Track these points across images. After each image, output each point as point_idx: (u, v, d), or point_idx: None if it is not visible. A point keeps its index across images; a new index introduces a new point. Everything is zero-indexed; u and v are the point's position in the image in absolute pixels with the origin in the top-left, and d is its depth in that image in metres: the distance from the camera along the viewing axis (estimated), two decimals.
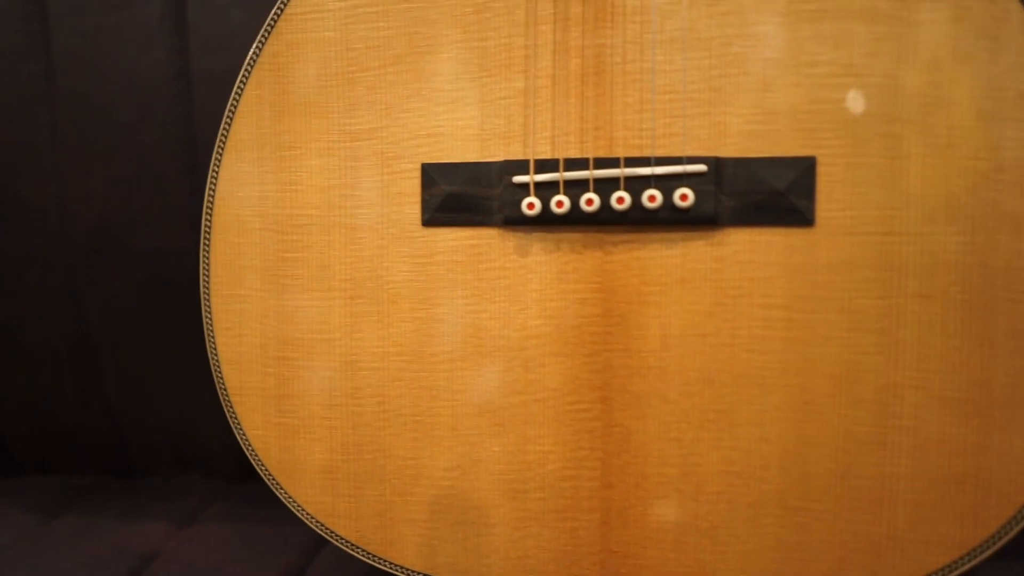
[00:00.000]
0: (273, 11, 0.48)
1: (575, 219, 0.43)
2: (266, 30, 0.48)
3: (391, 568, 0.48)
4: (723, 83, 0.42)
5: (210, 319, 0.49)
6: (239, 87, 0.48)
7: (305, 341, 0.48)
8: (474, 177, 0.45)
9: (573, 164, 0.43)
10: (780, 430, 0.42)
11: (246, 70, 0.48)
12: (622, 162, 0.43)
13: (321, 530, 0.49)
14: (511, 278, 0.45)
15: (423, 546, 0.47)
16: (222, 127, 0.49)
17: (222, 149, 0.49)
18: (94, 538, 0.62)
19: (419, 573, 0.47)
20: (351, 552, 0.48)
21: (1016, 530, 0.40)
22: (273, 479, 0.49)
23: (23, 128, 0.69)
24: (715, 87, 0.42)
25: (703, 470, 0.43)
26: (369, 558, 0.48)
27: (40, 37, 0.68)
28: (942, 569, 0.41)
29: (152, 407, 0.73)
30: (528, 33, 0.44)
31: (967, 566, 0.40)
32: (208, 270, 0.49)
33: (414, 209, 0.46)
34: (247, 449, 0.49)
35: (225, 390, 0.49)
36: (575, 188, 0.43)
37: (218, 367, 0.49)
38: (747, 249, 0.42)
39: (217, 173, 0.49)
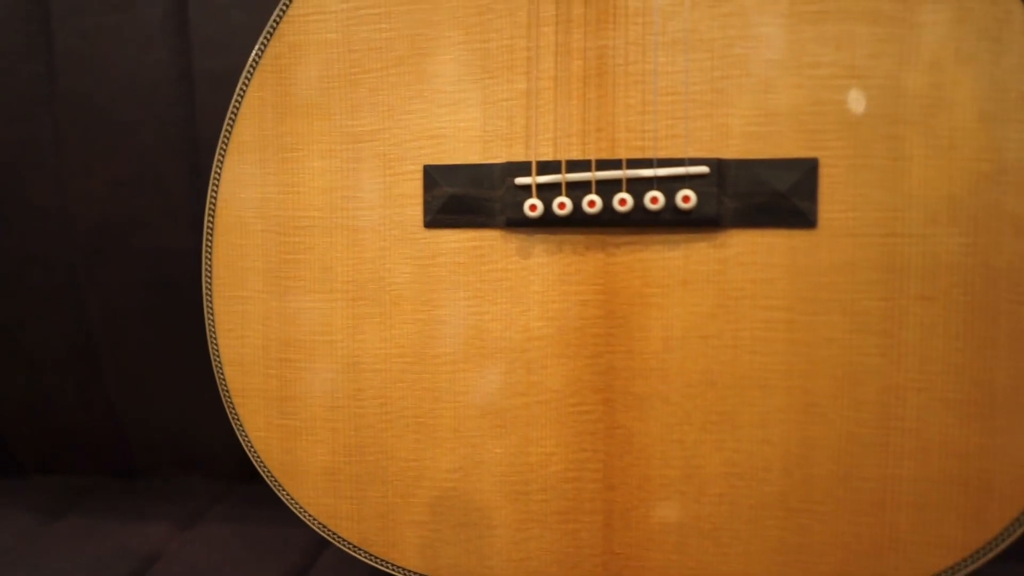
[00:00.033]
0: (275, 13, 0.48)
1: (577, 221, 0.43)
2: (268, 32, 0.48)
3: (393, 570, 0.48)
4: (725, 84, 0.42)
5: (212, 321, 0.49)
6: (241, 89, 0.48)
7: (307, 343, 0.48)
8: (476, 179, 0.45)
9: (575, 166, 0.43)
10: (782, 432, 0.42)
11: (248, 72, 0.48)
12: (624, 164, 0.43)
13: (323, 532, 0.49)
14: (513, 280, 0.45)
15: (425, 548, 0.47)
16: (224, 129, 0.49)
17: (224, 151, 0.49)
18: (96, 539, 0.62)
19: (421, 575, 0.47)
20: (353, 554, 0.48)
21: (1019, 532, 0.40)
22: (275, 481, 0.49)
23: (24, 128, 0.69)
24: (717, 88, 0.42)
25: (705, 472, 0.43)
26: (371, 560, 0.48)
27: (41, 37, 0.68)
28: (945, 571, 0.41)
29: (153, 408, 0.73)
30: (530, 35, 0.44)
31: (970, 568, 0.40)
32: (210, 272, 0.49)
33: (416, 211, 0.46)
34: (249, 451, 0.49)
35: (227, 392, 0.49)
36: (577, 190, 0.43)
37: (220, 369, 0.49)
38: (749, 251, 0.42)
39: (219, 175, 0.49)
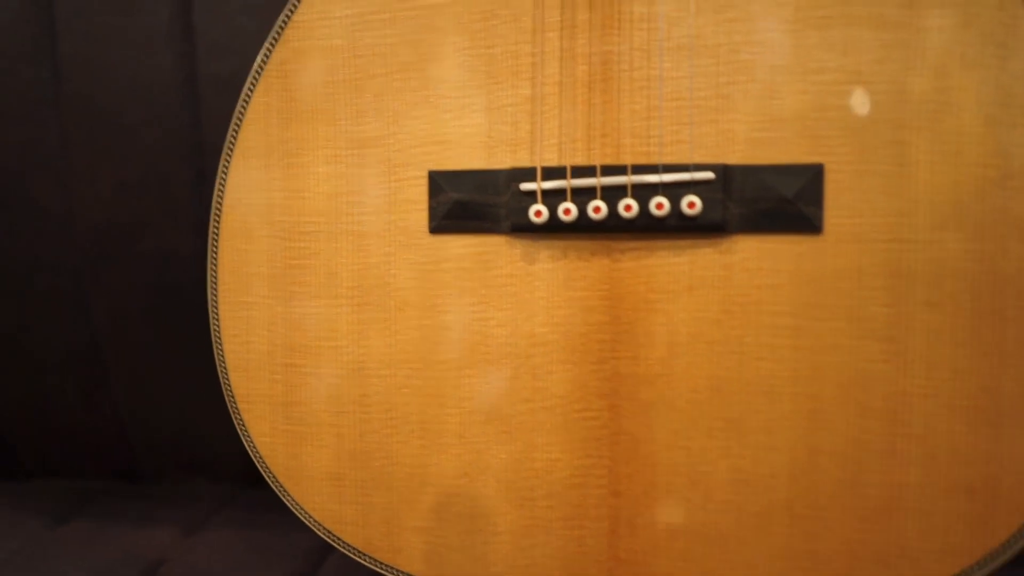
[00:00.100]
0: (280, 18, 0.48)
1: (582, 226, 0.43)
2: (273, 37, 0.48)
3: (397, 575, 0.48)
4: (731, 90, 0.42)
5: (217, 326, 0.49)
6: (247, 94, 0.48)
7: (313, 348, 0.48)
8: (481, 185, 0.45)
9: (580, 172, 0.43)
10: (788, 438, 0.42)
11: (254, 77, 0.48)
12: (629, 169, 0.43)
13: (328, 537, 0.49)
14: (518, 285, 0.45)
15: (430, 553, 0.47)
16: (229, 133, 0.49)
17: (230, 156, 0.49)
18: (102, 543, 0.63)
19: None
20: (358, 559, 0.48)
21: None
22: (280, 486, 0.49)
23: (29, 131, 0.70)
24: (723, 94, 0.42)
25: (711, 478, 0.43)
26: (376, 565, 0.48)
27: (46, 41, 0.68)
28: None
29: (158, 411, 0.73)
30: (535, 40, 0.44)
31: (977, 575, 0.40)
32: (215, 277, 0.49)
33: (421, 216, 0.46)
34: (254, 456, 0.49)
35: (232, 397, 0.49)
36: (582, 195, 0.43)
37: (225, 374, 0.49)
38: (755, 256, 0.42)
39: (224, 180, 0.49)
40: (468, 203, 0.45)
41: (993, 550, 0.40)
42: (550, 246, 0.44)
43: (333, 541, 0.49)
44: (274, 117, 0.48)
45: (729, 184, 0.42)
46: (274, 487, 0.49)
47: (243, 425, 0.49)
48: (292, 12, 0.47)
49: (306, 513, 0.49)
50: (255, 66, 0.48)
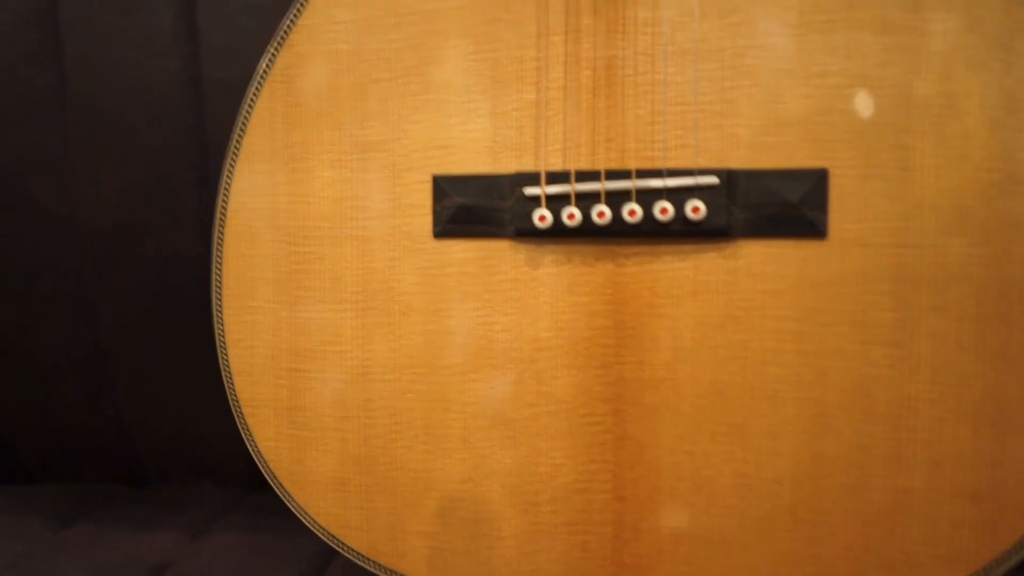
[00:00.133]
0: (285, 22, 0.48)
1: (587, 231, 0.43)
2: (278, 41, 0.48)
3: None
4: (735, 95, 0.42)
5: (222, 331, 0.49)
6: (251, 98, 0.48)
7: (317, 353, 0.48)
8: (486, 189, 0.45)
9: (585, 176, 0.43)
10: (793, 443, 0.42)
11: (258, 81, 0.48)
12: (634, 174, 0.43)
13: (332, 542, 0.49)
14: (522, 290, 0.45)
15: (434, 558, 0.47)
16: (234, 138, 0.49)
17: (234, 160, 0.49)
18: (106, 547, 0.63)
19: None
20: (362, 564, 0.48)
21: None
22: (285, 491, 0.49)
23: (34, 135, 0.70)
24: (727, 99, 0.42)
25: (715, 483, 0.43)
26: (380, 570, 0.48)
27: (51, 43, 0.68)
28: None
29: (162, 414, 0.73)
30: (539, 44, 0.44)
31: None
32: (220, 281, 0.49)
33: (425, 221, 0.46)
34: (259, 460, 0.49)
35: (237, 401, 0.49)
36: (587, 200, 0.43)
37: (230, 378, 0.50)
38: (759, 261, 0.42)
39: (229, 184, 0.49)
40: (472, 208, 0.45)
41: (999, 556, 0.40)
42: (554, 251, 0.44)
43: (337, 546, 0.49)
44: (278, 121, 0.48)
45: (733, 189, 0.42)
46: (278, 492, 0.49)
47: (247, 430, 0.49)
48: (296, 16, 0.47)
49: (310, 518, 0.49)
50: (259, 70, 0.48)
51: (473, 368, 0.46)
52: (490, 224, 0.45)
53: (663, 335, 0.43)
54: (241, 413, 0.50)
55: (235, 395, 0.49)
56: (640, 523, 0.44)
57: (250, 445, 0.50)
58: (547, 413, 0.45)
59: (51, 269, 0.71)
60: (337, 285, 0.47)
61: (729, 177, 0.42)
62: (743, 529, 0.43)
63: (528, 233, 0.44)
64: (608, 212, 0.43)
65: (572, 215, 0.43)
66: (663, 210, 0.42)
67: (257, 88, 0.48)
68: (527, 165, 0.44)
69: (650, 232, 0.43)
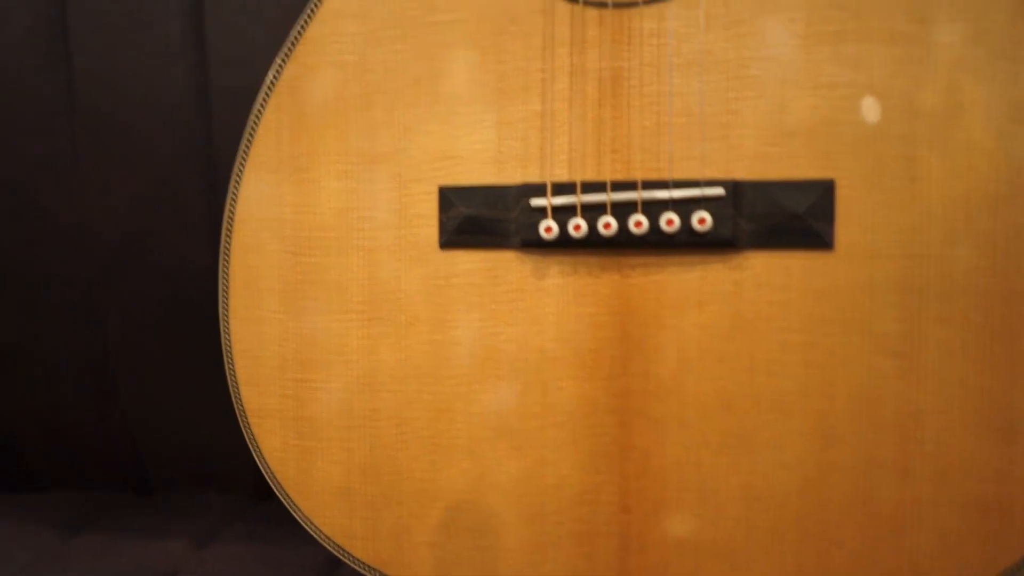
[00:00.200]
0: (292, 34, 0.48)
1: (592, 242, 0.43)
2: (286, 53, 0.48)
3: None
4: (740, 106, 0.42)
5: (228, 341, 0.50)
6: (259, 109, 0.49)
7: (323, 363, 0.48)
8: (491, 200, 0.45)
9: (590, 187, 0.43)
10: (799, 455, 0.42)
11: (266, 92, 0.48)
12: (639, 185, 0.43)
13: (338, 551, 0.49)
14: (528, 301, 0.45)
15: (439, 569, 0.47)
16: (241, 148, 0.49)
17: (241, 170, 0.49)
18: (114, 556, 0.63)
19: None
20: (367, 574, 0.48)
21: None
22: (290, 500, 0.49)
23: (43, 143, 0.70)
24: (732, 110, 0.42)
25: (722, 495, 0.43)
26: None
27: (60, 54, 0.69)
28: None
29: (169, 423, 0.73)
30: (545, 56, 0.44)
31: None
32: (227, 292, 0.49)
33: (432, 232, 0.46)
34: (265, 470, 0.49)
35: (243, 411, 0.50)
36: (592, 211, 0.43)
37: (236, 388, 0.50)
38: (766, 272, 0.42)
39: (236, 194, 0.49)
40: (478, 218, 0.45)
41: (1007, 569, 0.40)
42: (560, 261, 0.44)
43: (342, 555, 0.49)
44: (285, 132, 0.48)
45: (739, 200, 0.42)
46: (284, 501, 0.49)
47: (254, 439, 0.50)
48: (304, 28, 0.48)
49: (316, 527, 0.49)
50: (267, 81, 0.48)
51: (479, 379, 0.46)
52: (496, 235, 0.45)
53: (669, 346, 0.43)
54: (248, 423, 0.50)
55: (242, 405, 0.50)
56: (646, 535, 0.44)
57: (256, 455, 0.50)
58: (553, 424, 0.45)
59: (59, 277, 0.71)
60: (343, 295, 0.47)
61: (735, 188, 0.42)
62: (750, 540, 0.43)
63: (534, 244, 0.44)
64: (614, 223, 0.43)
65: (578, 226, 0.43)
66: (669, 221, 0.42)
67: (265, 98, 0.49)
68: (533, 176, 0.45)
69: (656, 243, 0.43)
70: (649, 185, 0.43)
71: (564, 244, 0.44)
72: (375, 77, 0.47)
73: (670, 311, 0.43)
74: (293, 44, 0.48)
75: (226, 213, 0.49)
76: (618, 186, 0.43)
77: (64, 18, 0.68)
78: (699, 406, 0.43)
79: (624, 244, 0.43)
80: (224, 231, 0.50)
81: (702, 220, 0.42)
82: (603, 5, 0.43)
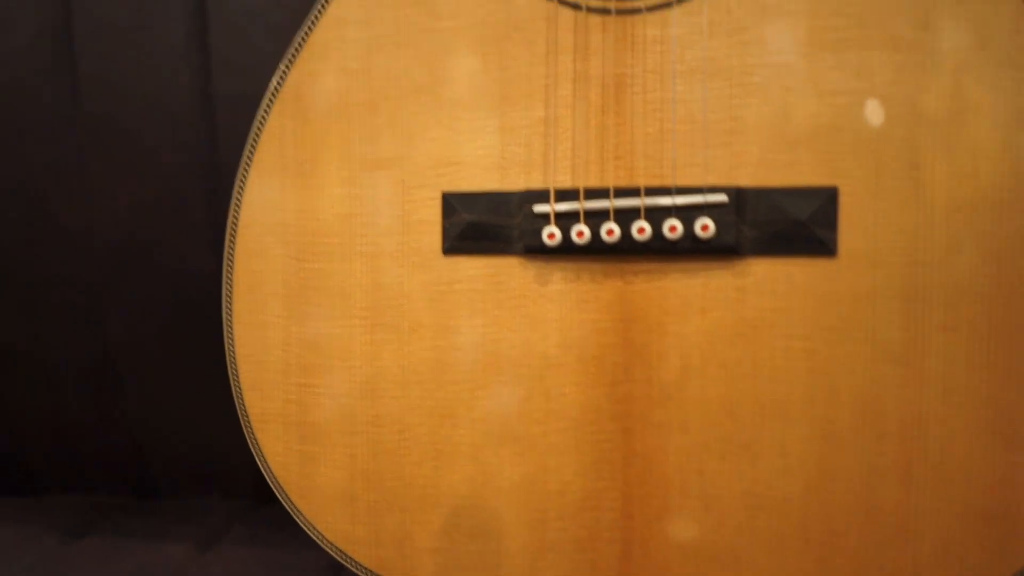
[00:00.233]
0: (296, 40, 0.48)
1: (596, 249, 0.43)
2: (289, 59, 0.48)
3: None
4: (744, 112, 0.42)
5: (232, 345, 0.50)
6: (262, 115, 0.49)
7: (326, 368, 0.48)
8: (494, 206, 0.45)
9: (593, 194, 0.43)
10: (802, 462, 0.42)
11: (269, 98, 0.49)
12: (642, 192, 0.43)
13: (340, 556, 0.49)
14: (531, 307, 0.45)
15: (441, 574, 0.47)
16: (245, 154, 0.49)
17: (245, 176, 0.49)
18: (117, 559, 0.63)
19: None
20: None
21: None
22: (293, 505, 0.49)
23: (49, 149, 0.70)
24: (736, 116, 0.42)
25: (724, 502, 0.43)
26: None
27: (66, 60, 0.69)
28: None
29: (172, 427, 0.73)
30: (548, 62, 0.44)
31: None
32: (230, 296, 0.50)
33: (435, 238, 0.46)
34: (267, 475, 0.49)
35: (246, 416, 0.50)
36: (595, 218, 0.43)
37: (240, 393, 0.50)
38: (769, 279, 0.42)
39: (240, 200, 0.49)
40: (481, 224, 0.45)
41: None
42: (563, 268, 0.44)
43: (344, 560, 0.49)
44: (289, 138, 0.48)
45: (742, 207, 0.42)
46: (286, 505, 0.49)
47: (256, 444, 0.50)
48: (308, 34, 0.48)
49: (318, 532, 0.49)
50: (271, 87, 0.49)
51: (482, 385, 0.46)
52: (499, 241, 0.45)
53: (672, 353, 0.43)
54: (251, 427, 0.50)
55: (245, 409, 0.50)
56: (649, 541, 0.44)
57: (259, 459, 0.50)
58: (555, 430, 0.45)
59: (63, 280, 0.72)
60: (346, 301, 0.47)
61: (738, 195, 0.42)
62: (752, 547, 0.43)
63: (537, 250, 0.44)
64: (617, 230, 0.43)
65: (581, 232, 0.43)
66: (672, 228, 0.42)
67: (268, 104, 0.49)
68: (536, 182, 0.45)
69: (659, 249, 0.43)
70: (652, 192, 0.43)
71: (567, 250, 0.44)
72: (378, 83, 0.47)
73: (673, 317, 0.43)
74: (297, 50, 0.48)
75: (230, 218, 0.50)
76: (621, 192, 0.43)
77: (69, 24, 0.69)
78: (702, 412, 0.43)
79: (627, 251, 0.43)
80: (228, 236, 0.50)
81: (705, 227, 0.42)
82: (606, 12, 0.43)
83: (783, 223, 0.41)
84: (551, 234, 0.44)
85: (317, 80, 0.48)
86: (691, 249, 0.42)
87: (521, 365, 0.45)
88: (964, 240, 0.40)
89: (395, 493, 0.47)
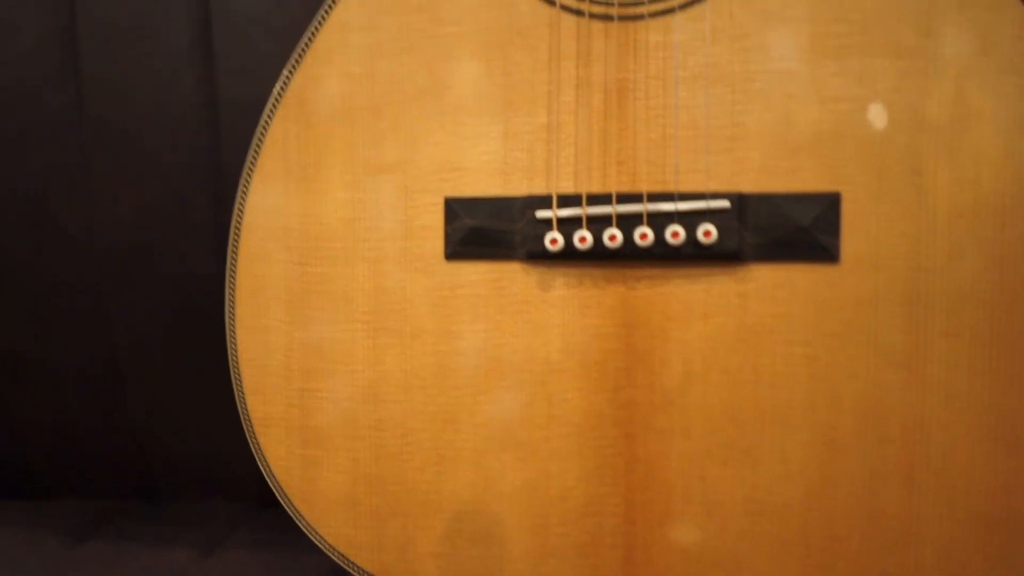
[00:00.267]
0: (299, 46, 0.48)
1: (598, 254, 0.43)
2: (293, 64, 0.48)
3: None
4: (746, 118, 0.42)
5: (235, 349, 0.50)
6: (266, 120, 0.49)
7: (329, 372, 0.48)
8: (497, 212, 0.45)
9: (596, 199, 0.44)
10: (804, 468, 0.42)
11: (273, 103, 0.49)
12: (645, 197, 0.43)
13: (342, 561, 0.49)
14: (533, 312, 0.45)
15: None
16: (248, 159, 0.49)
17: (248, 181, 0.49)
18: (120, 563, 0.63)
19: None
20: None
21: None
22: (295, 509, 0.49)
23: (53, 154, 0.71)
24: (738, 122, 0.42)
25: (726, 508, 0.43)
26: None
27: (70, 65, 0.69)
28: None
29: (175, 431, 0.73)
30: (551, 68, 0.44)
31: None
32: (233, 300, 0.50)
33: (437, 243, 0.46)
34: (270, 479, 0.50)
35: (249, 420, 0.50)
36: (598, 223, 0.43)
37: (242, 397, 0.50)
38: (771, 285, 0.42)
39: (243, 205, 0.49)
40: (484, 230, 0.45)
41: None
42: (565, 273, 0.44)
43: (347, 565, 0.49)
44: (292, 143, 0.48)
45: (745, 213, 0.42)
46: (289, 510, 0.49)
47: (259, 448, 0.50)
48: (311, 39, 0.48)
49: (320, 537, 0.49)
50: (274, 93, 0.49)
51: (484, 390, 0.46)
52: (501, 246, 0.45)
53: (674, 358, 0.43)
54: (253, 432, 0.50)
55: (247, 414, 0.50)
56: (651, 547, 0.44)
57: (261, 464, 0.50)
58: (558, 435, 0.45)
59: (68, 286, 0.72)
60: (349, 305, 0.47)
61: (740, 201, 0.42)
62: (754, 552, 0.43)
63: (539, 256, 0.44)
64: (620, 235, 0.43)
65: (583, 238, 0.43)
66: (675, 233, 0.42)
67: (272, 109, 0.49)
68: (538, 188, 0.45)
69: (661, 255, 0.43)
70: (654, 197, 0.43)
71: (569, 256, 0.44)
72: (382, 88, 0.47)
73: (675, 323, 0.43)
74: (300, 55, 0.48)
75: (233, 223, 0.50)
76: (623, 198, 0.43)
77: (74, 29, 0.69)
78: (704, 418, 0.43)
79: (629, 256, 0.43)
80: (231, 240, 0.50)
81: (707, 233, 0.42)
82: (609, 18, 0.44)
83: (786, 229, 0.41)
84: (554, 240, 0.44)
85: (320, 84, 0.48)
86: (693, 255, 0.42)
87: (523, 370, 0.45)
88: (966, 246, 0.40)
89: (397, 498, 0.47)
